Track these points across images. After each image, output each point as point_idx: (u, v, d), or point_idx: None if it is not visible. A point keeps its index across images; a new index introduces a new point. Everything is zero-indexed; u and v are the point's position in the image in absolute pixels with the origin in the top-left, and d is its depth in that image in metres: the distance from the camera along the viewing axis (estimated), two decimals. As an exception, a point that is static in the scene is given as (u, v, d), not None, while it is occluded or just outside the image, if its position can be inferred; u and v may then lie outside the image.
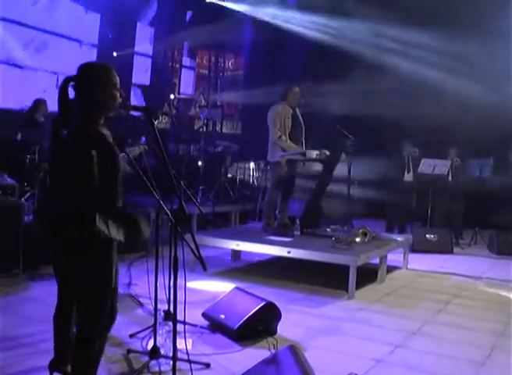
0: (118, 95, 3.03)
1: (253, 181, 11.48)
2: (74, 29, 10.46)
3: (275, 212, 7.47)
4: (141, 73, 12.09)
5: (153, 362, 3.82)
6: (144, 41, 12.14)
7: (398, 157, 10.45)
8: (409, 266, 7.70)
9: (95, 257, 2.91)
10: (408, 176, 10.44)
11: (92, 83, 2.94)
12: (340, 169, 9.23)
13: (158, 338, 3.97)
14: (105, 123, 3.02)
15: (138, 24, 11.88)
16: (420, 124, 10.81)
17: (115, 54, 10.65)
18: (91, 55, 10.70)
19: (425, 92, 11.02)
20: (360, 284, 6.18)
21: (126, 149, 3.29)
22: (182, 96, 12.65)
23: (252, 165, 11.50)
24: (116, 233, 2.92)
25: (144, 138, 8.43)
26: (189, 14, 12.55)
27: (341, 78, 11.25)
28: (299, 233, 7.22)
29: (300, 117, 7.47)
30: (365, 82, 11.13)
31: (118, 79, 3.03)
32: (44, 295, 5.35)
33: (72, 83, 2.95)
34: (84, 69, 3.01)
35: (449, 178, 10.17)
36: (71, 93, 2.95)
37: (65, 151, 2.89)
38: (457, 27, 10.34)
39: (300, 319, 5.15)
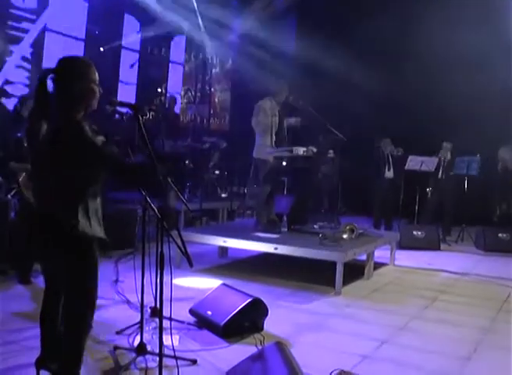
0: (97, 90, 3.02)
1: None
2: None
3: (267, 208, 7.40)
4: (128, 68, 12.04)
5: (139, 358, 3.81)
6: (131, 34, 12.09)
7: (379, 154, 10.49)
8: (396, 263, 7.74)
9: (78, 252, 2.92)
10: (389, 174, 10.50)
11: (70, 77, 2.94)
12: (327, 167, 9.27)
13: (144, 335, 3.96)
14: (85, 118, 3.00)
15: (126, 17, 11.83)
16: (404, 121, 10.85)
17: (101, 49, 10.60)
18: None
19: (410, 87, 11.06)
20: (347, 281, 6.20)
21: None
22: (168, 94, 12.60)
23: None
24: (98, 231, 2.95)
25: None
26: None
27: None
28: (286, 229, 7.20)
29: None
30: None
31: (97, 75, 3.04)
32: (31, 292, 5.33)
33: (51, 75, 2.94)
34: (64, 62, 3.00)
35: (439, 175, 10.21)
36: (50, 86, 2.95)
37: (46, 149, 2.87)
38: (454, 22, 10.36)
39: (287, 315, 5.15)
